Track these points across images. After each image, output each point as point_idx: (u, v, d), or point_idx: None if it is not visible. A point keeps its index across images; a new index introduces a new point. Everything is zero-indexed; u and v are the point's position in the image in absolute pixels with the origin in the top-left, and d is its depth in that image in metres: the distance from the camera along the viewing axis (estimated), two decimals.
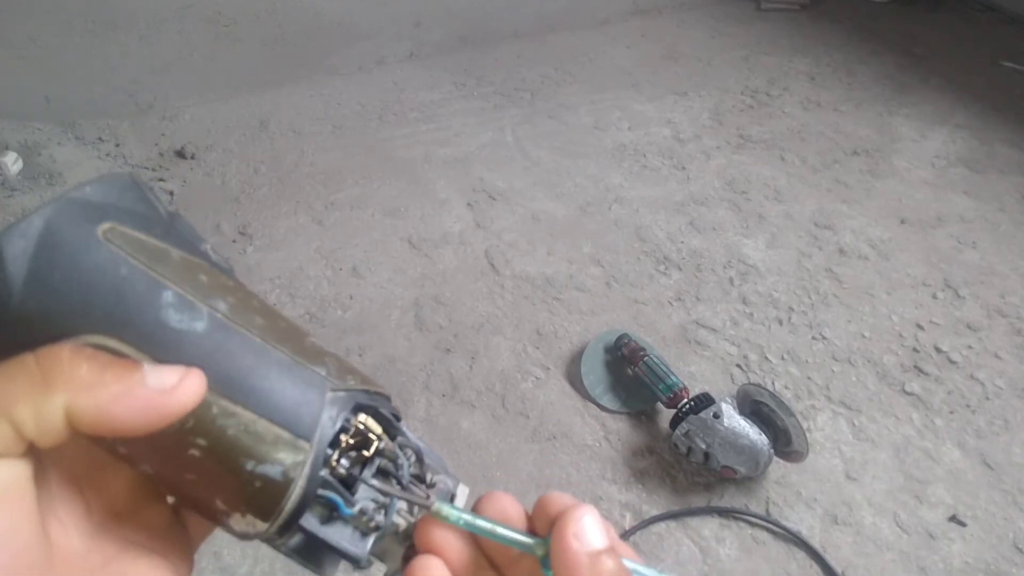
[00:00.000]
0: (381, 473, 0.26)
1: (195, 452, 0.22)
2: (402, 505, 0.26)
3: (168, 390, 0.21)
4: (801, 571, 0.96)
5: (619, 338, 1.20)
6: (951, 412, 1.16)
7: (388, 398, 0.28)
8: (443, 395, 1.16)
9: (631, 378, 1.16)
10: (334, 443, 0.24)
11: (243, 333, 0.24)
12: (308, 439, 0.23)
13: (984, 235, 1.51)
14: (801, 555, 0.98)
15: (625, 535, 0.98)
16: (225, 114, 1.79)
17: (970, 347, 1.27)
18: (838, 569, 0.96)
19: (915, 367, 1.23)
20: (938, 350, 1.26)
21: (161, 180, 1.57)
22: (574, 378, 1.19)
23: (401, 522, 0.26)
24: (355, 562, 0.25)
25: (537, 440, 1.10)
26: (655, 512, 1.01)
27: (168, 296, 0.22)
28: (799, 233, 1.51)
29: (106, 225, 0.22)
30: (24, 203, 1.47)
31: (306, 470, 0.23)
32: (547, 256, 1.43)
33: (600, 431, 1.12)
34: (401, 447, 0.27)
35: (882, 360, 1.24)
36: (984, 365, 1.24)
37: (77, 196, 0.22)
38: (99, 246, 0.22)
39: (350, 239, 1.45)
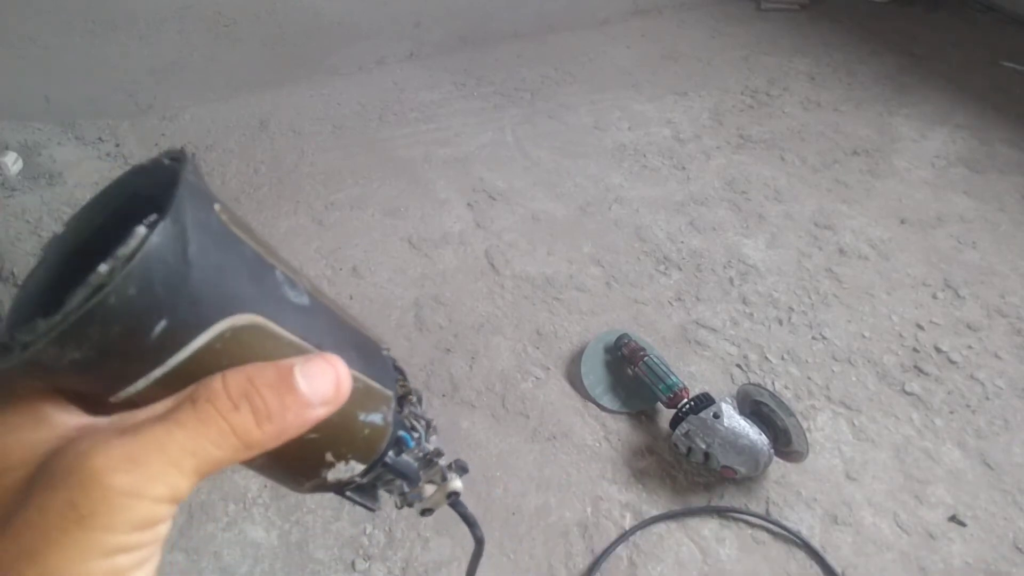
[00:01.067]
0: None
1: None
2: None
3: (331, 400, 0.22)
4: (801, 571, 0.96)
5: (619, 338, 1.20)
6: (951, 412, 1.16)
7: None
8: (443, 395, 1.16)
9: (631, 378, 1.16)
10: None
11: (327, 305, 0.26)
12: (391, 389, 0.28)
13: (984, 235, 1.51)
14: (801, 555, 0.98)
15: (625, 535, 0.98)
16: (225, 114, 1.79)
17: (970, 347, 1.26)
18: (838, 569, 0.96)
19: (915, 367, 1.23)
20: (938, 350, 1.26)
21: None
22: (574, 378, 1.19)
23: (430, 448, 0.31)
24: (415, 482, 0.30)
25: (537, 440, 1.10)
26: (655, 512, 1.01)
27: (279, 275, 0.23)
28: (799, 233, 1.51)
29: (218, 206, 0.22)
30: (24, 203, 1.47)
31: (393, 415, 0.27)
32: (547, 256, 1.43)
33: (600, 431, 1.12)
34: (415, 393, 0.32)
35: (882, 360, 1.24)
36: (984, 365, 1.23)
37: (190, 179, 0.21)
38: (225, 228, 0.22)
39: (350, 239, 1.45)
